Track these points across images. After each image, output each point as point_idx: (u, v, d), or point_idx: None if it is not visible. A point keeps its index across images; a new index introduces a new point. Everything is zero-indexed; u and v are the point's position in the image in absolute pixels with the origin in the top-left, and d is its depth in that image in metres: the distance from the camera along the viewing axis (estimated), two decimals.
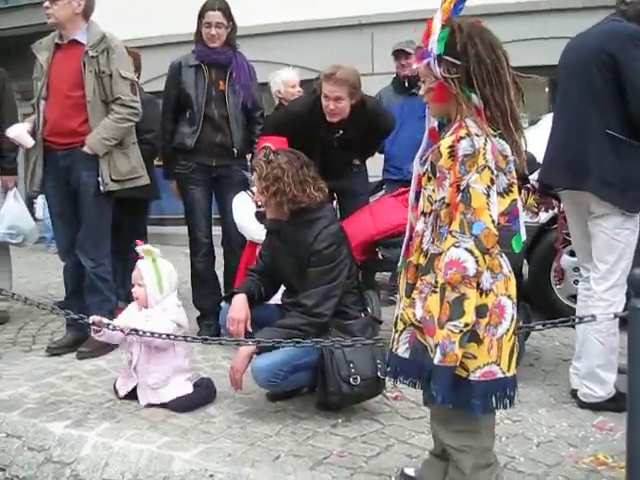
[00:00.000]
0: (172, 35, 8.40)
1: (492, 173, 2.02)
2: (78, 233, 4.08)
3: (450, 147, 2.04)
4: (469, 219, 1.99)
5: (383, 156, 5.58)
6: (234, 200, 4.33)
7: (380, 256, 4.17)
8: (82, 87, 3.93)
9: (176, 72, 4.40)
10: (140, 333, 3.10)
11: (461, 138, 2.03)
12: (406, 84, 5.49)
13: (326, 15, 8.98)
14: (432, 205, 2.14)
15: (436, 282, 2.06)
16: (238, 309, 3.24)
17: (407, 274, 2.22)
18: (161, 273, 3.32)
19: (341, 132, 4.21)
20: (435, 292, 2.05)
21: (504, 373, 2.10)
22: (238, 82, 4.39)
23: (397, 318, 2.24)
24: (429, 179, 2.15)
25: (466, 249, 1.99)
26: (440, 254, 2.06)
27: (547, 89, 8.29)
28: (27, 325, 4.94)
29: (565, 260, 4.55)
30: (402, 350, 2.20)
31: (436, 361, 2.01)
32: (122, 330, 3.14)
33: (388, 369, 2.28)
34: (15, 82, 5.27)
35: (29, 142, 4.07)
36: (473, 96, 2.08)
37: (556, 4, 8.34)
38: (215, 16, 4.31)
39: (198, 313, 4.57)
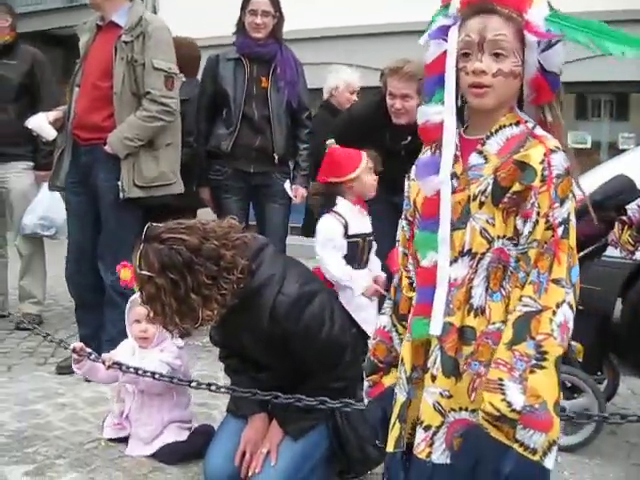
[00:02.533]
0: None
1: None
2: (93, 239, 3.65)
3: (540, 163, 1.45)
4: (569, 263, 1.48)
5: None
6: (318, 225, 3.30)
7: None
8: (111, 77, 3.47)
9: (213, 66, 3.93)
10: (124, 368, 2.59)
11: (552, 151, 1.47)
12: None
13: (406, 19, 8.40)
14: (489, 244, 1.51)
15: (540, 353, 1.44)
16: (256, 429, 2.46)
17: (443, 342, 1.54)
18: None
19: (409, 139, 3.57)
20: (542, 367, 1.43)
21: None
22: (283, 79, 3.87)
23: (421, 410, 1.56)
24: (481, 205, 1.51)
25: (569, 304, 1.46)
26: (540, 312, 1.44)
27: None
28: (56, 333, 4.54)
29: None
30: (438, 455, 1.52)
31: (549, 464, 1.41)
32: (103, 362, 2.64)
33: None
34: None
35: (50, 133, 3.68)
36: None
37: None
38: (261, 3, 3.82)
39: None
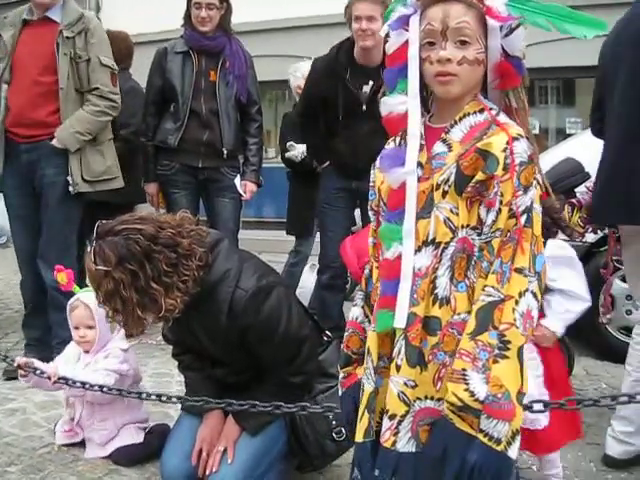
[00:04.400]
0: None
1: None
2: (40, 240, 3.54)
3: (503, 151, 1.44)
4: (533, 252, 1.47)
5: None
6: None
7: None
8: (54, 72, 3.42)
9: (161, 59, 3.85)
10: (70, 383, 2.51)
11: (514, 139, 1.46)
12: None
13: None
14: (453, 233, 1.49)
15: (503, 342, 1.42)
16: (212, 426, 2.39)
17: (407, 332, 1.52)
18: None
19: (371, 83, 3.62)
20: (505, 357, 1.41)
21: None
22: (232, 72, 3.81)
23: (387, 399, 1.55)
24: (444, 195, 1.49)
25: (532, 292, 1.45)
26: (502, 301, 1.43)
27: None
28: (6, 337, 4.43)
29: (616, 287, 3.84)
30: (403, 443, 1.51)
31: (513, 453, 1.41)
32: (49, 377, 2.54)
33: (377, 471, 1.55)
34: None
35: None
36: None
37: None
38: None
39: None
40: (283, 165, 5.07)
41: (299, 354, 2.29)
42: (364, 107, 3.63)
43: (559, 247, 2.46)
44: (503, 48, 1.50)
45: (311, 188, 4.69)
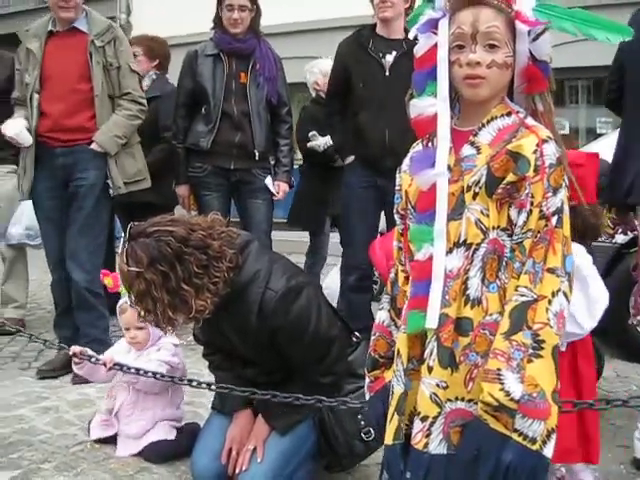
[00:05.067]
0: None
1: None
2: (70, 241, 3.62)
3: (533, 153, 1.47)
4: (564, 252, 1.48)
5: None
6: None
7: None
8: (89, 80, 3.56)
9: (192, 62, 3.88)
10: (125, 369, 2.59)
11: (544, 141, 1.48)
12: None
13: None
14: (484, 234, 1.51)
15: (537, 342, 1.43)
16: (242, 426, 2.44)
17: (439, 333, 1.53)
18: None
19: (394, 53, 3.68)
20: (540, 357, 1.42)
21: None
22: (262, 74, 3.83)
23: (418, 401, 1.56)
24: (475, 196, 1.51)
25: (564, 293, 1.46)
26: (536, 301, 1.45)
27: None
28: (41, 336, 4.48)
29: None
30: (435, 445, 1.51)
31: (548, 452, 1.41)
32: (104, 364, 2.62)
33: (408, 474, 1.56)
34: None
35: (29, 140, 3.61)
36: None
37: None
38: None
39: None
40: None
41: (328, 354, 2.30)
42: (387, 73, 3.67)
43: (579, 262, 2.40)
44: (531, 52, 1.51)
45: (325, 183, 4.70)
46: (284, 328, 2.20)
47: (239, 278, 2.20)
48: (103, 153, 3.57)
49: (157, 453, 2.68)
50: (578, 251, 2.25)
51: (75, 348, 2.72)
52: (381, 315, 1.76)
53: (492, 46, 1.49)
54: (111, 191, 3.61)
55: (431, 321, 1.51)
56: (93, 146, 3.55)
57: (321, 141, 4.76)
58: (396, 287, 1.72)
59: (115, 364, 2.62)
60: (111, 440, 2.79)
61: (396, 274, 1.72)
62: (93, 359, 2.67)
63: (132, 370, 2.56)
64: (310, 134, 4.88)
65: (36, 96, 3.57)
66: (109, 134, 3.57)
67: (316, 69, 4.83)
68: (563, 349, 2.25)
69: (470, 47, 1.50)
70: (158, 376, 2.53)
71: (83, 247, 3.60)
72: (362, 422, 2.37)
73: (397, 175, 1.70)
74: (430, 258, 1.53)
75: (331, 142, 4.53)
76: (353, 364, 2.43)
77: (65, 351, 3.56)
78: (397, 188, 1.70)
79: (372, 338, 1.77)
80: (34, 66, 3.56)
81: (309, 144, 4.89)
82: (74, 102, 3.56)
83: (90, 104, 3.56)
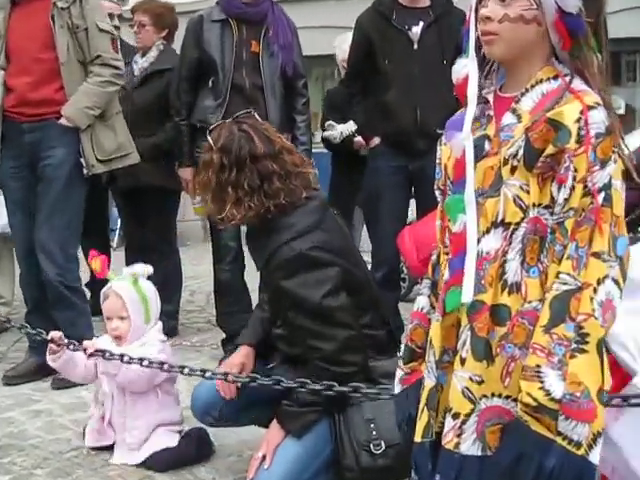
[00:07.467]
0: None
1: None
2: (38, 230, 3.61)
3: (576, 122, 1.46)
4: (613, 233, 1.46)
5: None
6: None
7: None
8: (54, 47, 3.55)
9: (196, 29, 3.87)
10: (107, 355, 2.66)
11: (590, 108, 1.46)
12: None
13: None
14: (524, 213, 1.52)
15: (581, 335, 1.43)
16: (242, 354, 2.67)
17: (473, 322, 1.55)
18: (147, 299, 2.87)
19: (421, 24, 3.76)
20: (584, 351, 1.44)
21: None
22: (276, 42, 3.84)
23: (450, 396, 1.59)
24: (513, 170, 1.52)
25: (613, 279, 1.45)
26: (579, 290, 1.45)
27: None
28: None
29: None
30: (468, 445, 1.54)
31: (595, 457, 1.42)
32: (85, 349, 2.71)
33: (438, 476, 1.59)
34: None
35: None
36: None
37: None
38: None
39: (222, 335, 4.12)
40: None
41: (335, 338, 2.37)
42: (415, 46, 3.74)
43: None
44: (557, 3, 1.48)
45: (352, 173, 4.74)
46: (285, 290, 2.38)
47: (274, 221, 2.43)
48: (74, 128, 3.56)
49: (160, 461, 2.75)
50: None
51: (54, 333, 2.79)
52: (420, 301, 1.77)
53: None
54: (85, 171, 3.58)
55: (466, 295, 1.53)
56: (62, 121, 3.53)
57: (337, 131, 4.82)
58: (437, 270, 1.72)
59: (96, 350, 2.71)
60: (109, 445, 2.87)
61: (438, 256, 1.73)
62: (72, 347, 2.76)
63: (115, 356, 2.63)
64: (326, 124, 4.94)
65: (1, 72, 3.60)
66: (78, 105, 3.53)
67: (345, 45, 4.64)
68: None
69: (485, 1, 1.53)
70: (145, 362, 2.59)
71: (53, 236, 3.57)
72: (374, 432, 2.39)
73: (438, 147, 1.73)
74: (465, 228, 1.57)
75: (352, 130, 4.59)
76: (375, 369, 2.46)
77: (34, 356, 3.65)
78: (437, 162, 1.73)
79: (409, 326, 1.79)
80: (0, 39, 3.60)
81: (324, 134, 4.96)
82: (39, 73, 3.56)
83: (57, 74, 3.55)
